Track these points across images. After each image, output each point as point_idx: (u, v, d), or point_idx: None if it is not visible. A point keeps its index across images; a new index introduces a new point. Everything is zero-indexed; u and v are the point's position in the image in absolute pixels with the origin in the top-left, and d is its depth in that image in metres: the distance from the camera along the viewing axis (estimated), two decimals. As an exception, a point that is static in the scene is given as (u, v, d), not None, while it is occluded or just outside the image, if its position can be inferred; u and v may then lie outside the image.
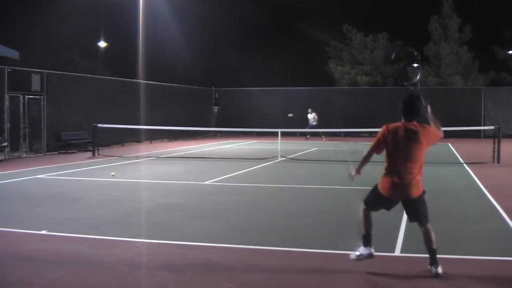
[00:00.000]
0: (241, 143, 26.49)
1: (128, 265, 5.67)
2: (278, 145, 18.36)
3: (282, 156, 17.27)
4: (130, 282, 5.24)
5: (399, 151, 5.22)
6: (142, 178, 13.03)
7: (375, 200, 5.41)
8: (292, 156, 18.09)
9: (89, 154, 18.87)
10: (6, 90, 17.94)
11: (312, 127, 27.60)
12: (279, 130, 19.05)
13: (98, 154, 18.56)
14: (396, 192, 5.23)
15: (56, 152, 19.92)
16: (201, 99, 33.02)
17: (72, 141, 20.53)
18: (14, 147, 18.34)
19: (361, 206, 5.50)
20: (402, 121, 5.33)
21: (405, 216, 8.03)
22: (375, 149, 5.43)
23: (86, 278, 5.32)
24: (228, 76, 41.63)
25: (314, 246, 6.46)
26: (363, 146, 26.82)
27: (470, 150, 20.63)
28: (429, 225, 5.32)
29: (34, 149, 19.28)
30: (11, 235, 7.12)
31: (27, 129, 18.85)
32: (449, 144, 23.65)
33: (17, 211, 8.71)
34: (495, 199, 9.52)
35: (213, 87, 34.45)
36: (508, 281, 5.30)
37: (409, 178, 5.18)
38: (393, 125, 5.35)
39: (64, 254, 6.15)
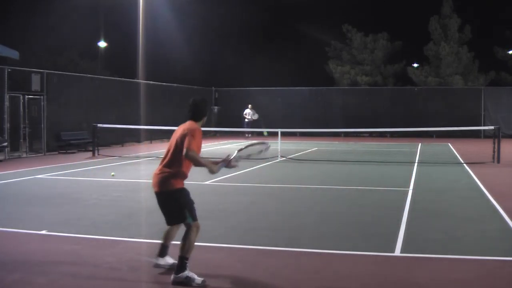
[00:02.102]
0: (241, 143, 26.46)
1: (128, 265, 5.67)
2: (278, 145, 18.36)
3: (282, 156, 17.26)
4: (130, 282, 5.24)
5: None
6: (142, 178, 13.02)
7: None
8: (292, 156, 18.08)
9: (89, 154, 18.87)
10: (6, 90, 17.93)
11: (248, 124, 27.38)
12: (279, 130, 19.05)
13: (98, 154, 18.56)
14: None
15: (56, 152, 19.91)
16: (201, 99, 32.98)
17: (72, 141, 20.52)
18: (14, 147, 18.33)
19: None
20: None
21: (405, 216, 8.11)
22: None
23: (86, 278, 5.32)
24: (228, 76, 41.66)
25: (314, 246, 6.46)
26: (363, 146, 26.46)
27: (470, 150, 20.62)
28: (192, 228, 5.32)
29: (34, 149, 19.26)
30: (11, 235, 7.11)
31: (27, 129, 18.83)
32: (449, 144, 23.67)
33: (17, 211, 8.71)
34: (495, 199, 9.53)
35: (213, 87, 34.45)
36: (508, 281, 5.30)
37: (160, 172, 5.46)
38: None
39: (64, 254, 6.15)
